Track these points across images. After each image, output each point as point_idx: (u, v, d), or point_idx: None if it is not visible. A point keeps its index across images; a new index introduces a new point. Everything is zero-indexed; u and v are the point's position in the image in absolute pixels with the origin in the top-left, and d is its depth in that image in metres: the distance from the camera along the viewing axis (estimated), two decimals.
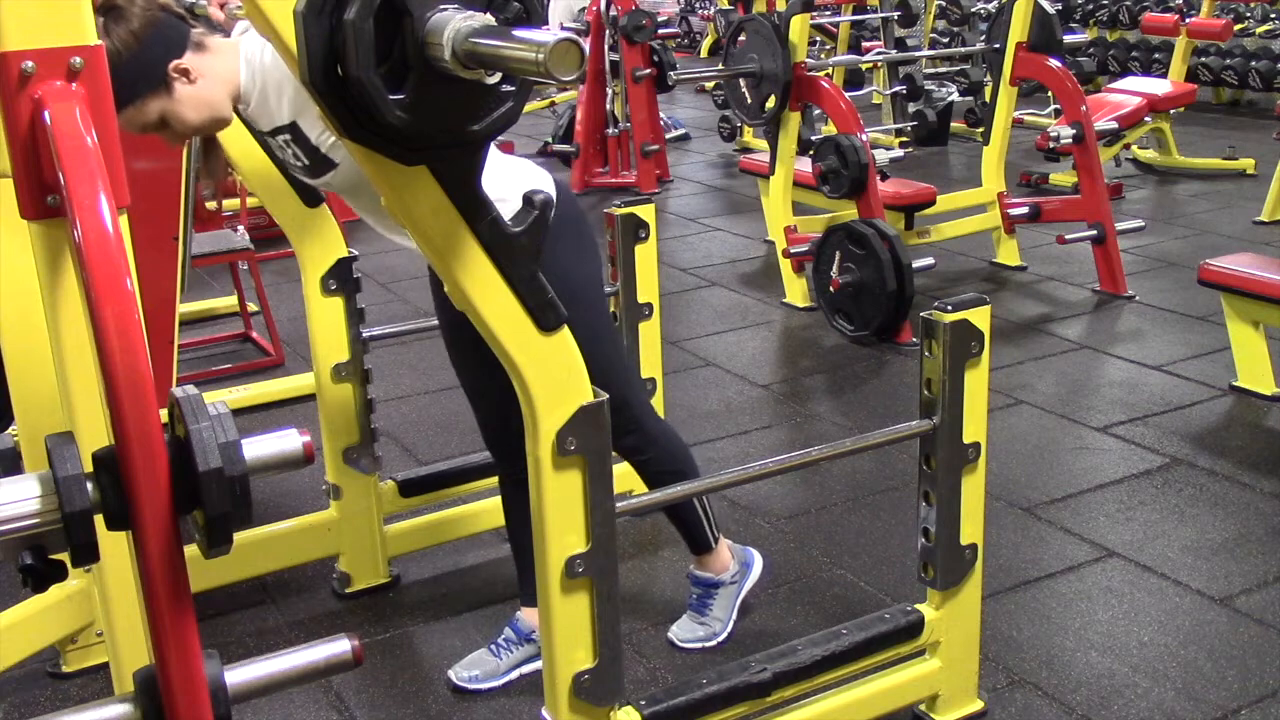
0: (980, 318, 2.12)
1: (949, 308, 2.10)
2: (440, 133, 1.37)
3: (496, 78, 1.32)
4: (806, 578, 2.95)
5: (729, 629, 2.67)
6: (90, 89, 1.55)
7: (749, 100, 5.13)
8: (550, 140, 8.21)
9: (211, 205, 5.42)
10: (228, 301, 5.06)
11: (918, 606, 2.28)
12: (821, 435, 3.83)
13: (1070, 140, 5.03)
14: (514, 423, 1.85)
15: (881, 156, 5.04)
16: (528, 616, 2.57)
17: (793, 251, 4.97)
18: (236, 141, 2.50)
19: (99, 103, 1.56)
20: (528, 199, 1.59)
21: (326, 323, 2.74)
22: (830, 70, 7.85)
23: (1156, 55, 9.05)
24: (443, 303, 2.42)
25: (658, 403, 3.22)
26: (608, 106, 7.31)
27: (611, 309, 3.13)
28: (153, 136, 2.11)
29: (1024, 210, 5.31)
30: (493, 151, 1.70)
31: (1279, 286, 3.72)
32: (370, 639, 2.72)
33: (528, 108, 8.05)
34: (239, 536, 1.15)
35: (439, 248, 1.53)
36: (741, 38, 5.17)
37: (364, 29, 1.25)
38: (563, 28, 7.43)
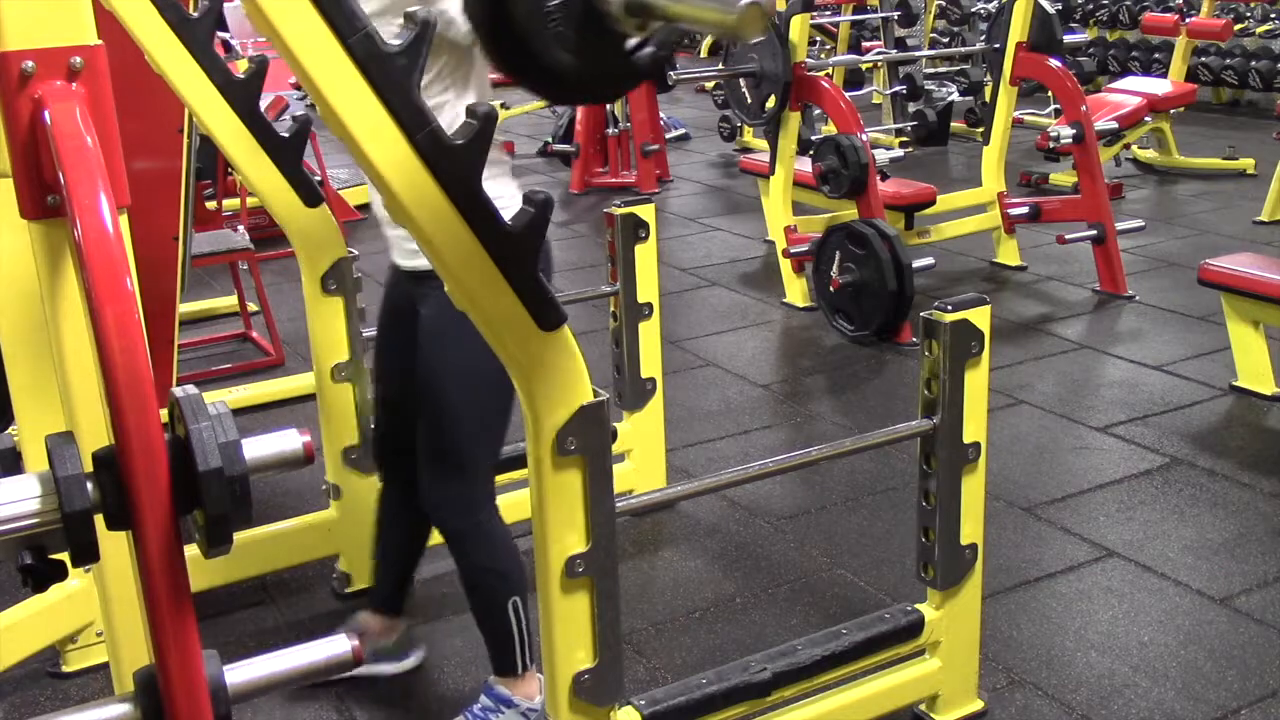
0: (980, 318, 2.12)
1: (949, 308, 2.10)
2: (564, 59, 1.30)
3: (634, 41, 1.30)
4: (806, 578, 2.95)
5: None
6: (90, 89, 1.55)
7: (749, 100, 5.13)
8: (550, 140, 8.21)
9: (211, 205, 5.42)
10: (228, 301, 5.06)
11: (918, 606, 2.28)
12: (821, 435, 3.83)
13: (1070, 140, 5.03)
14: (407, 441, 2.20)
15: (881, 156, 5.04)
16: (366, 622, 2.57)
17: (793, 251, 4.96)
18: (236, 141, 2.50)
19: (99, 103, 1.55)
20: (528, 198, 1.59)
21: (326, 323, 2.74)
22: (830, 70, 7.84)
23: (1156, 55, 9.05)
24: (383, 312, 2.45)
25: (657, 402, 3.22)
26: (608, 106, 7.31)
27: (611, 309, 3.13)
28: (153, 137, 2.10)
29: (1024, 210, 5.31)
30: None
31: (1279, 286, 3.72)
32: None
33: (528, 107, 8.05)
34: (239, 536, 1.15)
35: (439, 247, 1.53)
36: None
37: None
38: None
